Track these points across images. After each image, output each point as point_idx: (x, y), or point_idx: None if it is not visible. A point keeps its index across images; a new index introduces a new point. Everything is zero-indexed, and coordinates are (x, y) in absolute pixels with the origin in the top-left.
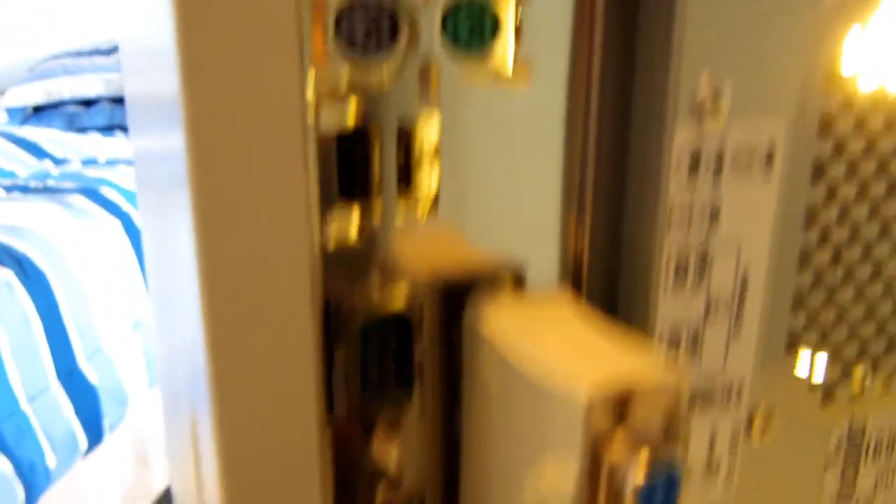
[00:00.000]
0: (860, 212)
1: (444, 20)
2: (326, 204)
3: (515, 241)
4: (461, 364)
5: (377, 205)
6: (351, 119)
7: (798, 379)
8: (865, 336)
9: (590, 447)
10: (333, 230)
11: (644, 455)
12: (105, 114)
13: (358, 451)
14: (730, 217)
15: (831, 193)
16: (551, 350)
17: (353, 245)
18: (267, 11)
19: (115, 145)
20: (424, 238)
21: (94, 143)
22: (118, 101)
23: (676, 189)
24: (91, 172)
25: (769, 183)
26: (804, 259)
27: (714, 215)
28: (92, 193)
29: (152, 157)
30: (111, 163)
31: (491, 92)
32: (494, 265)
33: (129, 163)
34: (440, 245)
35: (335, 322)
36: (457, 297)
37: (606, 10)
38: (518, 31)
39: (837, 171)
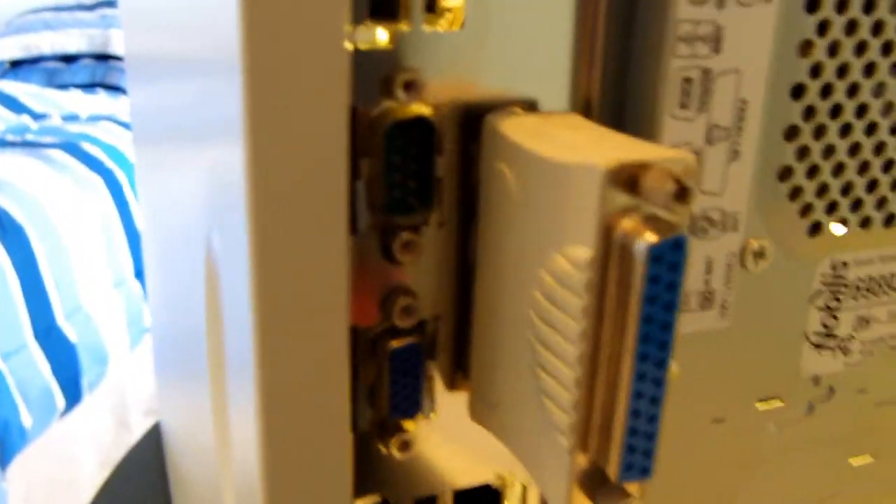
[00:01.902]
0: (848, 47)
1: None
2: (356, 17)
3: (530, 70)
4: (478, 179)
5: (405, 18)
6: None
7: (788, 210)
8: (851, 172)
9: (605, 216)
10: (362, 38)
11: (653, 220)
12: (87, 71)
13: (377, 271)
14: (732, 43)
15: (823, 27)
16: (568, 140)
17: (381, 53)
18: None
19: (96, 103)
20: (448, 60)
21: (75, 100)
22: (101, 57)
23: (684, 12)
24: (72, 128)
25: (768, 9)
26: (797, 91)
27: (717, 38)
28: (73, 148)
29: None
30: (93, 119)
31: None
32: (511, 91)
33: (111, 119)
34: (463, 69)
35: (360, 129)
36: (476, 116)
37: None
38: None
39: (829, 4)
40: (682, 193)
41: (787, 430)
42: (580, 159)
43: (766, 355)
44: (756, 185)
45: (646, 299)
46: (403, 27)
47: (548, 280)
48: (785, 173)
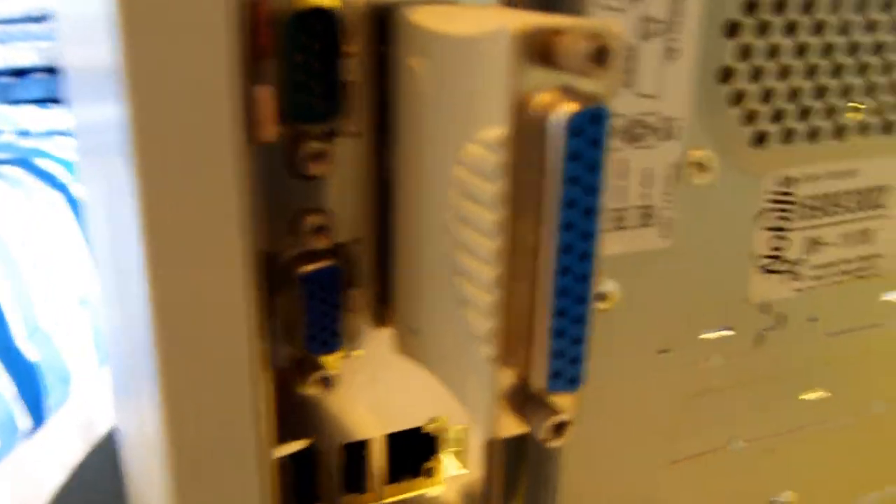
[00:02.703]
0: None
1: None
2: None
3: None
4: (391, 83)
5: None
6: None
7: (730, 117)
8: (796, 79)
9: (517, 89)
10: None
11: (571, 91)
12: (40, 85)
13: (287, 188)
14: None
15: None
16: (481, 18)
17: None
18: None
19: (51, 118)
20: None
21: (28, 116)
22: (54, 71)
23: None
24: (26, 143)
25: None
26: None
27: None
28: (27, 164)
29: (93, 125)
30: (47, 134)
31: None
32: None
33: (66, 134)
34: None
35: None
36: (387, 15)
37: None
38: None
39: None
40: (601, 54)
41: (735, 362)
42: (488, 29)
43: (711, 280)
44: (696, 88)
45: (566, 180)
46: None
47: (462, 174)
48: (726, 75)
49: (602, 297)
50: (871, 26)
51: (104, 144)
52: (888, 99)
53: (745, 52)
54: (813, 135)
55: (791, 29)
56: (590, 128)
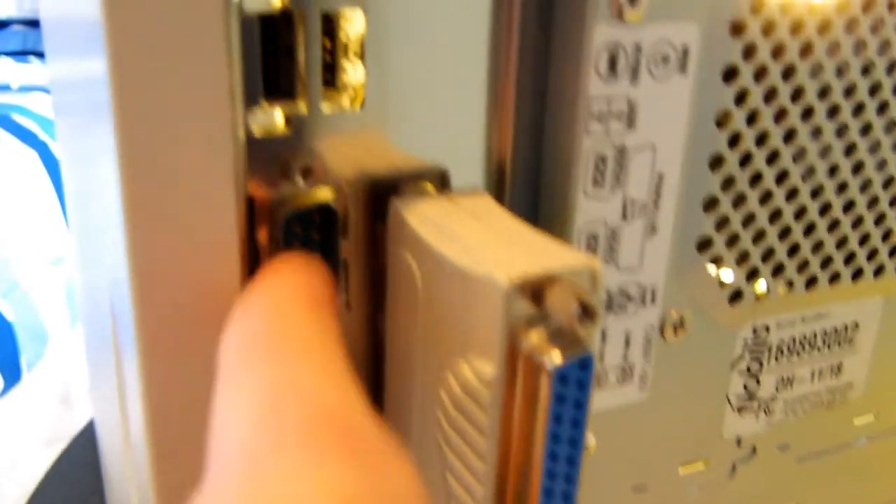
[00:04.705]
0: (767, 116)
1: None
2: (250, 98)
3: (440, 142)
4: (385, 262)
5: (302, 97)
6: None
7: (708, 280)
8: (771, 239)
9: (508, 335)
10: (258, 122)
11: (559, 335)
12: (18, 37)
13: None
14: (646, 117)
15: (741, 96)
16: (473, 238)
17: (278, 137)
18: None
19: (29, 72)
20: (350, 136)
21: (6, 69)
22: (33, 23)
23: (595, 86)
24: (3, 99)
25: (683, 85)
26: (715, 162)
27: (631, 114)
28: (4, 121)
29: (71, 82)
30: (25, 89)
31: None
32: (419, 165)
33: (45, 90)
34: (366, 144)
35: (259, 215)
36: (382, 194)
37: None
38: None
39: (747, 73)
40: (587, 313)
41: (710, 492)
42: (483, 270)
43: (687, 421)
44: (674, 256)
45: (552, 418)
46: (301, 107)
47: (454, 386)
48: (704, 244)
49: None
50: (842, 187)
51: (81, 102)
52: (858, 250)
53: (723, 223)
54: (786, 287)
55: (766, 198)
56: (576, 373)
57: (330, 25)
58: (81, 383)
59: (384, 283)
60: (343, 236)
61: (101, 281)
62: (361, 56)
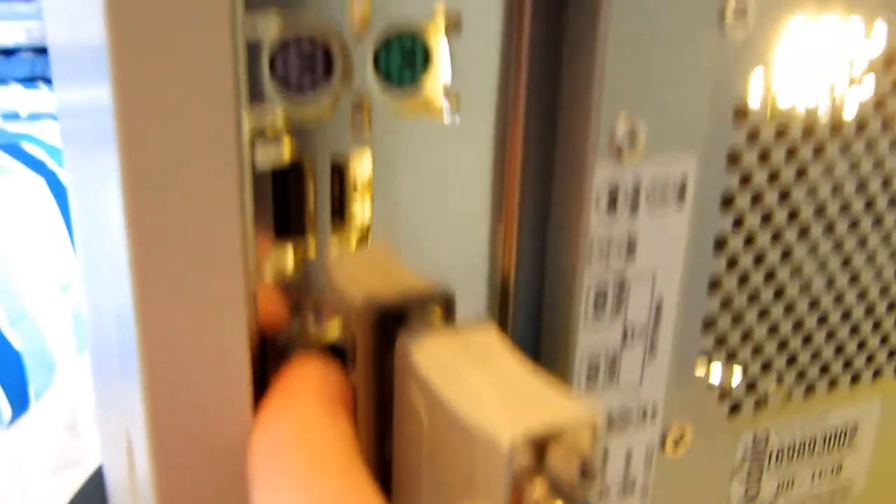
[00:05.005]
0: (764, 238)
1: (377, 55)
2: (262, 240)
3: (446, 271)
4: (393, 388)
5: (311, 238)
6: (286, 155)
7: (708, 394)
8: (769, 353)
9: (511, 489)
10: (270, 265)
11: (560, 490)
12: (26, 64)
13: None
14: (645, 248)
15: (739, 222)
16: (478, 386)
17: (289, 278)
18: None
19: (38, 98)
20: (357, 266)
21: (15, 96)
22: (41, 50)
23: (596, 223)
24: (12, 127)
25: (682, 214)
26: (714, 284)
27: (631, 247)
28: (13, 149)
29: (76, 107)
30: (34, 117)
31: (422, 123)
32: (425, 292)
33: (53, 117)
34: (373, 272)
35: (271, 353)
36: (389, 322)
37: (531, 50)
38: (448, 64)
39: (744, 200)
40: (587, 472)
41: None
42: (487, 427)
43: None
44: (675, 374)
45: None
46: (311, 247)
47: None
48: (704, 359)
49: None
50: (839, 298)
51: (86, 129)
52: (856, 356)
53: (722, 340)
54: (785, 397)
55: (764, 314)
56: None
57: (338, 169)
58: (88, 411)
59: (391, 409)
60: (351, 365)
61: (108, 315)
62: (369, 193)
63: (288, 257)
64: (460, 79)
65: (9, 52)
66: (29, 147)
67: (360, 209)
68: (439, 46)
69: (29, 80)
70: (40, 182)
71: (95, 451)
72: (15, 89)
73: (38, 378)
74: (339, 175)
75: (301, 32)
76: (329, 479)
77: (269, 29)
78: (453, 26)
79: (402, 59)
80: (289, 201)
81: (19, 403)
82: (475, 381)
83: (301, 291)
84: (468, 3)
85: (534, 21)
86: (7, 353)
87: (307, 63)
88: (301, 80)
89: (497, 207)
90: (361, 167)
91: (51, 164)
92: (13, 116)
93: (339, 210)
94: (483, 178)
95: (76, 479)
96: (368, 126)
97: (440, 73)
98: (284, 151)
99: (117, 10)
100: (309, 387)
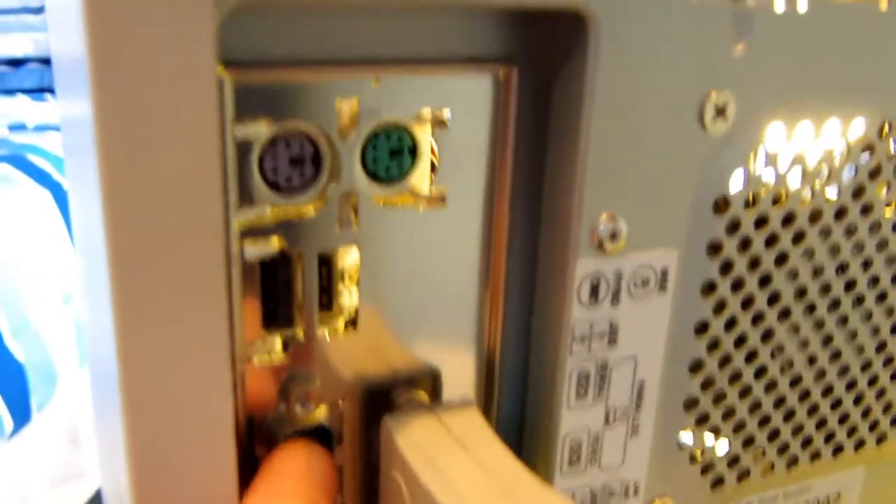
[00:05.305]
0: (745, 321)
1: (364, 151)
2: (250, 326)
3: (433, 352)
4: (378, 467)
5: (300, 326)
6: (274, 246)
7: (690, 469)
8: (751, 429)
9: None
10: (258, 353)
11: None
12: (34, 75)
13: None
14: (627, 333)
15: (720, 307)
16: (458, 476)
17: (276, 361)
18: (191, 159)
19: (44, 109)
20: (345, 345)
21: (22, 108)
22: (49, 61)
23: (578, 312)
24: (18, 138)
25: (663, 301)
26: (695, 366)
27: (613, 333)
28: (19, 161)
29: (69, 120)
30: (40, 128)
31: (409, 214)
32: (412, 371)
33: (59, 129)
34: (361, 352)
35: (259, 435)
36: (377, 399)
37: (517, 143)
38: (434, 159)
39: (725, 287)
40: None
41: None
42: None
43: None
44: (657, 450)
45: None
46: (299, 335)
47: None
48: (686, 436)
49: None
50: (820, 374)
51: (78, 141)
52: (838, 429)
53: (703, 419)
54: (768, 470)
55: (745, 393)
56: None
57: (326, 260)
58: (89, 422)
59: (377, 484)
60: (338, 444)
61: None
62: (356, 282)
63: (276, 343)
64: (447, 171)
65: (17, 63)
66: (35, 159)
67: (348, 298)
68: (426, 141)
69: (36, 92)
70: (45, 194)
71: (96, 462)
72: (22, 100)
73: (41, 390)
74: (327, 266)
75: (289, 132)
76: None
77: (259, 129)
78: (439, 123)
79: (390, 154)
80: (277, 290)
81: (21, 415)
82: (455, 470)
83: (289, 373)
84: (454, 101)
85: (519, 116)
86: (9, 365)
87: (296, 163)
88: (290, 179)
89: (483, 292)
90: (349, 258)
91: (56, 175)
92: (20, 127)
93: (328, 300)
94: (470, 265)
95: (78, 492)
96: (356, 219)
97: (427, 167)
98: (273, 244)
99: (110, 139)
100: (294, 477)
